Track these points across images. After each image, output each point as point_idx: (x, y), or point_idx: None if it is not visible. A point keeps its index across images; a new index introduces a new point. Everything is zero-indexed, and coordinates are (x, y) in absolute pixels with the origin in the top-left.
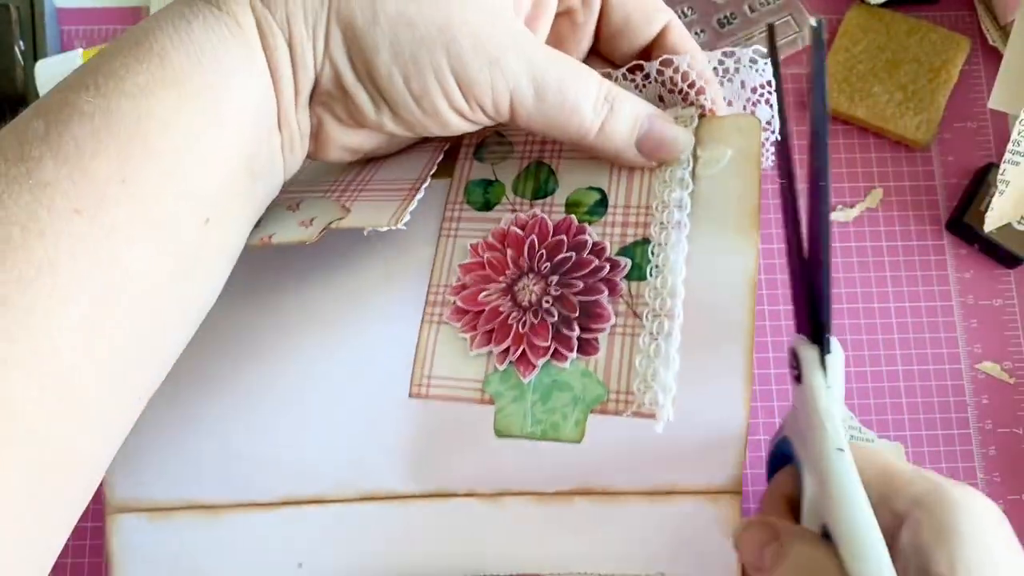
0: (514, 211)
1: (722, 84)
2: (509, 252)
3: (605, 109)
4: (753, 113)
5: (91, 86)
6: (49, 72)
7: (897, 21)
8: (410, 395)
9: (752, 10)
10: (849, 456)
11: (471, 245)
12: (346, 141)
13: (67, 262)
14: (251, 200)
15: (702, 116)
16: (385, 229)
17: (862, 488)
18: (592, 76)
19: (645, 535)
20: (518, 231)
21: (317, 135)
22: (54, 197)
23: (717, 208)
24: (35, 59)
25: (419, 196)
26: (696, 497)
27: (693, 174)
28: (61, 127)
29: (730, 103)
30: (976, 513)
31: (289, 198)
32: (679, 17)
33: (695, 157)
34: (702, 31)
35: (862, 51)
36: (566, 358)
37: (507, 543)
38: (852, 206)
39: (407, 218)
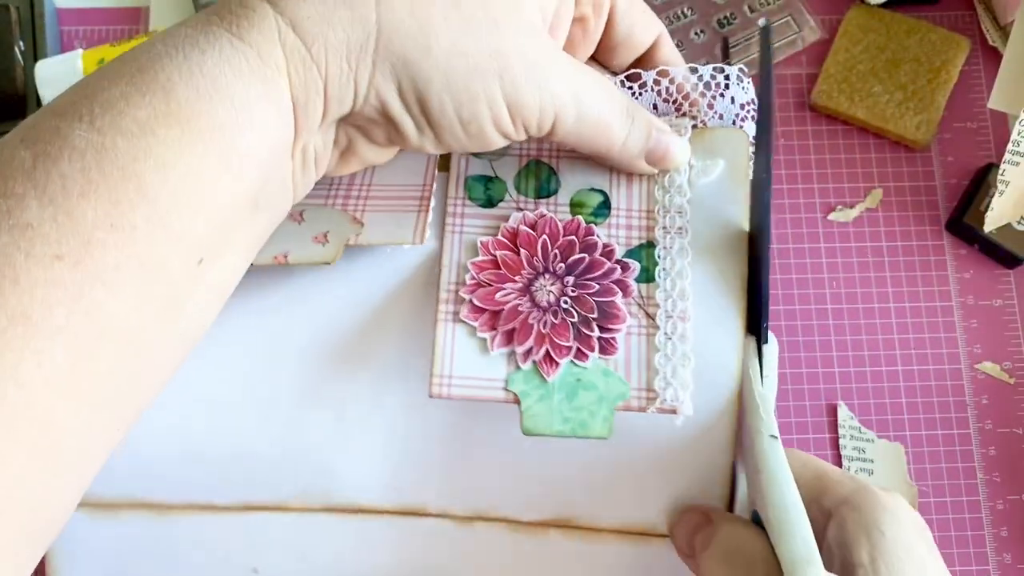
0: (520, 209)
1: (715, 98)
2: (523, 252)
3: (628, 123)
4: (741, 127)
5: (86, 117)
6: (49, 72)
7: (897, 21)
8: (430, 395)
9: (752, 10)
10: (780, 444)
11: (481, 243)
12: (372, 158)
13: (42, 311)
14: (253, 232)
15: (694, 127)
16: (410, 247)
17: (791, 473)
18: (616, 90)
19: None
20: (529, 231)
21: (344, 153)
22: (34, 241)
23: (712, 215)
24: (35, 59)
25: (433, 204)
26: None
27: (688, 181)
28: (49, 163)
29: (721, 116)
30: (900, 517)
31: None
32: (679, 17)
33: (689, 166)
34: (702, 31)
35: (862, 51)
36: (587, 357)
37: (473, 570)
38: (852, 206)
39: (429, 232)
